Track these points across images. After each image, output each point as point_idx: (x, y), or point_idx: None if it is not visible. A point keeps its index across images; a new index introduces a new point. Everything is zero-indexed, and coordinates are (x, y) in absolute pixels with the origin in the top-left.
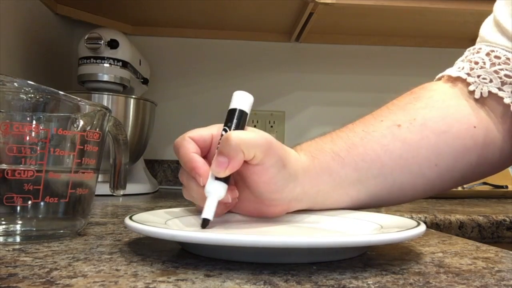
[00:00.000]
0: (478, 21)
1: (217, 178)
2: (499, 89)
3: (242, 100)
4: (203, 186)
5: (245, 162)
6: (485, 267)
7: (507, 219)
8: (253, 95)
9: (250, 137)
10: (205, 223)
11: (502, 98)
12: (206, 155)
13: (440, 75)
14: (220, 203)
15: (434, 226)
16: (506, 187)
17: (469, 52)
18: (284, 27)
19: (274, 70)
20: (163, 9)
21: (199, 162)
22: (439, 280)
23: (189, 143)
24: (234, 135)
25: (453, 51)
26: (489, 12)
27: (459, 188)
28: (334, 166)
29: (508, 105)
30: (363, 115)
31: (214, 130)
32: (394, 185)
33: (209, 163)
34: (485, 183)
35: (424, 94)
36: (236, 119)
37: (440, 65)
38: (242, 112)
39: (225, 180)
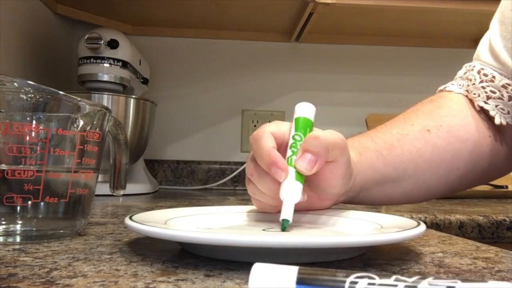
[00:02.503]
0: (478, 21)
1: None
2: (485, 102)
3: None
4: (279, 183)
5: None
6: (485, 267)
7: (507, 219)
8: (253, 95)
9: (333, 136)
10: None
11: (488, 111)
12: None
13: (442, 87)
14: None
15: (434, 226)
16: (506, 187)
17: (466, 69)
18: (284, 27)
19: (274, 70)
20: (163, 9)
21: (281, 157)
22: None
23: (270, 137)
24: (323, 134)
25: (453, 51)
26: (489, 12)
27: None
28: (377, 164)
29: (493, 118)
30: (363, 115)
31: (286, 128)
32: (423, 185)
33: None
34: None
35: (444, 103)
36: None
37: (440, 65)
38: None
39: (302, 181)
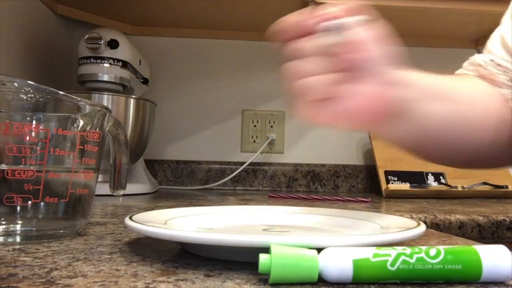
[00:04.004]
0: (478, 21)
1: None
2: (506, 82)
3: None
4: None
5: None
6: None
7: (507, 219)
8: (253, 95)
9: None
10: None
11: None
12: None
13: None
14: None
15: (434, 226)
16: (506, 187)
17: (472, 60)
18: None
19: (274, 70)
20: (163, 9)
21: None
22: None
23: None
24: None
25: (453, 51)
26: (489, 12)
27: (459, 188)
28: (424, 75)
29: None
30: None
31: None
32: (468, 117)
33: None
34: (485, 183)
35: (466, 77)
36: None
37: (440, 65)
38: None
39: None
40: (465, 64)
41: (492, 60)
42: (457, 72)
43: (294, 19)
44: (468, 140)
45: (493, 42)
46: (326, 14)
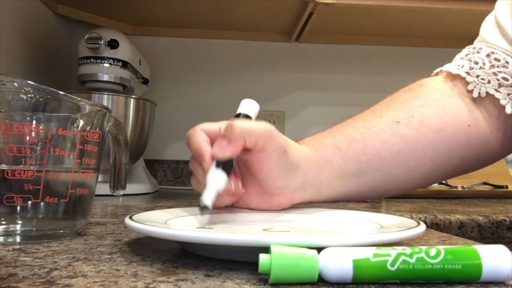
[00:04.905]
0: (478, 21)
1: (217, 166)
2: (496, 90)
3: (248, 107)
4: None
5: (249, 150)
6: None
7: (507, 219)
8: (253, 95)
9: (251, 125)
10: (204, 209)
11: (498, 100)
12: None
13: (438, 69)
14: (226, 194)
15: (434, 226)
16: (506, 187)
17: (468, 51)
18: (284, 27)
19: (274, 70)
20: (163, 9)
21: (207, 150)
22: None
23: (200, 134)
24: (237, 123)
25: (453, 51)
26: (489, 12)
27: (459, 188)
28: (335, 159)
29: (503, 107)
30: None
31: (222, 125)
32: (392, 178)
33: None
34: (485, 183)
35: (422, 92)
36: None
37: (440, 65)
38: (247, 116)
39: (226, 169)
40: (461, 54)
41: (489, 56)
42: (448, 65)
43: (196, 148)
44: (409, 180)
45: (488, 28)
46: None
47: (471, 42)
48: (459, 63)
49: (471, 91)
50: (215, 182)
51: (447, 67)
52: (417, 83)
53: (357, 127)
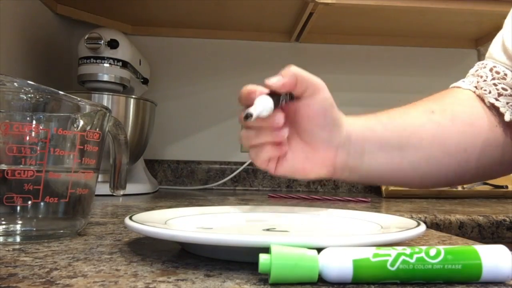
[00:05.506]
0: (478, 21)
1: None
2: (496, 99)
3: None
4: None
5: (298, 98)
6: None
7: (507, 219)
8: None
9: (306, 73)
10: (247, 117)
11: (498, 108)
12: None
13: (453, 85)
14: (270, 145)
15: (434, 226)
16: (506, 187)
17: (478, 67)
18: (284, 27)
19: (274, 70)
20: (163, 9)
21: (258, 88)
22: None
23: (253, 86)
24: (294, 68)
25: (453, 51)
26: (489, 12)
27: (459, 188)
28: (377, 127)
29: (503, 114)
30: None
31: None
32: (433, 159)
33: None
34: (485, 183)
35: (450, 94)
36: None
37: (440, 65)
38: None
39: (274, 101)
40: (472, 71)
41: (491, 70)
42: (461, 82)
43: (248, 89)
44: (440, 169)
45: (495, 45)
46: (261, 90)
47: (471, 42)
48: (470, 80)
49: (483, 100)
50: (262, 102)
51: (459, 84)
52: (446, 90)
53: (393, 111)
